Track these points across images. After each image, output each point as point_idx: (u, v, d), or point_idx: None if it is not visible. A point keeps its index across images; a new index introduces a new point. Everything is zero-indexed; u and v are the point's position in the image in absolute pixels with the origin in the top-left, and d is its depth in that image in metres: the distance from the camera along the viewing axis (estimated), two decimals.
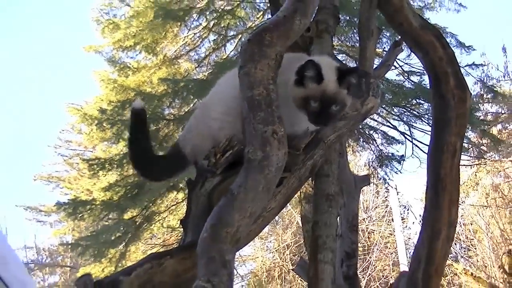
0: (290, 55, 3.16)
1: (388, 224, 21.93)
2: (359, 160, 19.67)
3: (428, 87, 10.17)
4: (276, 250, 22.28)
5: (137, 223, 11.77)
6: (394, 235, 20.73)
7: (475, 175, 18.33)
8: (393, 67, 11.95)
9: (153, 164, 3.64)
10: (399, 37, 4.04)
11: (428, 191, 3.56)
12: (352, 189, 3.97)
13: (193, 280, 2.43)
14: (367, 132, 12.28)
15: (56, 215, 18.49)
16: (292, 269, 14.38)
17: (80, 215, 11.52)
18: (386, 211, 22.35)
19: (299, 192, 12.35)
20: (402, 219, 21.22)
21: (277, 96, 2.87)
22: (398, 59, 11.94)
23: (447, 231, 3.43)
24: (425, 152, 11.46)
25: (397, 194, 20.44)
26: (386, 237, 21.98)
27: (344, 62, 10.86)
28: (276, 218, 22.98)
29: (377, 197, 22.69)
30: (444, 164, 3.48)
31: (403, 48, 4.43)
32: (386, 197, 22.28)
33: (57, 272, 27.14)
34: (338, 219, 3.74)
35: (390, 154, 12.04)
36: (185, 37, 12.43)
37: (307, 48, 4.00)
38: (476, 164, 14.57)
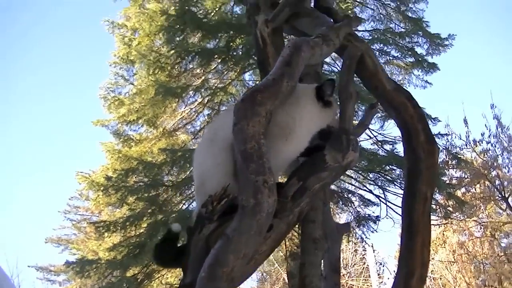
0: None
1: (365, 280, 21.79)
2: (339, 221, 19.69)
3: (400, 155, 10.34)
4: None
5: (139, 280, 11.67)
6: None
7: (443, 234, 18.36)
8: (368, 137, 12.17)
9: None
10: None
11: (402, 235, 3.56)
12: (335, 234, 3.95)
13: None
14: (346, 195, 12.33)
15: (65, 274, 18.38)
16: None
17: (87, 273, 11.47)
18: (363, 267, 22.25)
19: (285, 250, 12.34)
20: (378, 275, 21.12)
21: (267, 149, 2.90)
22: (373, 130, 12.20)
23: (420, 271, 3.41)
24: (398, 214, 11.56)
25: (373, 252, 20.40)
26: None
27: None
28: (264, 275, 22.88)
29: (356, 255, 22.60)
30: (416, 210, 3.48)
31: (378, 110, 4.47)
32: (364, 254, 22.20)
33: None
34: (322, 262, 3.72)
35: (366, 215, 12.09)
36: (182, 111, 12.54)
37: None
38: (444, 224, 14.58)
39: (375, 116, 12.23)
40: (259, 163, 2.82)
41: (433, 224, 13.67)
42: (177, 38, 11.75)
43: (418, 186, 3.51)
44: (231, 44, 11.76)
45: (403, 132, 3.70)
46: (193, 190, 9.71)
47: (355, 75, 3.73)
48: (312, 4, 4.39)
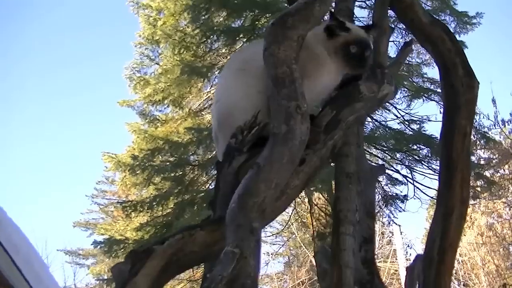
0: None
1: (392, 262, 21.61)
2: None
3: (427, 134, 10.11)
4: None
5: None
6: (399, 273, 20.38)
7: (471, 215, 18.10)
8: (394, 117, 11.96)
9: None
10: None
11: (441, 172, 3.43)
12: (369, 177, 3.78)
13: (221, 251, 2.31)
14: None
15: (93, 258, 18.43)
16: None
17: (114, 253, 11.44)
18: (390, 250, 22.05)
19: (312, 231, 12.19)
20: (405, 258, 20.89)
21: (300, 74, 2.75)
22: (400, 109, 12.01)
23: (460, 208, 3.28)
24: (425, 194, 11.41)
25: (401, 234, 20.19)
26: (391, 274, 21.68)
27: None
28: (291, 259, 22.73)
29: (383, 238, 22.42)
30: (455, 146, 3.33)
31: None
32: (391, 237, 22.02)
33: None
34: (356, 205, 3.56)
35: (394, 194, 11.86)
36: (208, 91, 12.43)
37: None
38: (472, 204, 14.34)
39: (402, 96, 12.11)
40: (291, 88, 2.71)
41: None
42: (202, 17, 11.65)
43: (458, 120, 3.37)
44: (256, 23, 11.63)
45: (440, 67, 3.56)
46: None
47: (389, 8, 3.57)
48: None
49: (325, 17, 3.27)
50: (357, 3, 9.50)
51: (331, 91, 3.15)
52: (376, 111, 12.22)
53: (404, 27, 8.97)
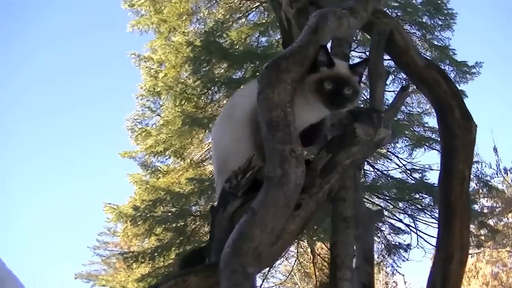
0: None
1: None
2: None
3: (430, 183, 10.09)
4: None
5: None
6: None
7: (475, 265, 17.89)
8: (396, 166, 11.95)
9: None
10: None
11: (440, 217, 3.36)
12: (367, 222, 3.72)
13: None
14: (376, 225, 12.03)
15: None
16: None
17: None
18: None
19: (315, 281, 12.06)
20: None
21: (294, 117, 2.72)
22: (401, 159, 12.04)
23: (460, 254, 3.20)
24: (429, 243, 11.29)
25: (405, 283, 19.92)
26: None
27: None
28: None
29: None
30: (453, 190, 3.28)
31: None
32: (395, 287, 21.74)
33: None
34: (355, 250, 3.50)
35: (397, 244, 11.78)
36: (209, 142, 12.41)
37: None
38: (476, 253, 14.21)
39: (403, 145, 12.11)
40: (286, 131, 2.67)
41: None
42: (203, 69, 11.80)
43: (455, 164, 3.33)
44: (257, 74, 11.64)
45: (436, 110, 3.53)
46: None
47: (385, 53, 3.57)
48: None
49: None
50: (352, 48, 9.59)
51: (307, 124, 3.09)
52: (378, 161, 12.30)
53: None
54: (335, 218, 3.51)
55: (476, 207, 12.92)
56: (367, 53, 10.83)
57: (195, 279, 2.72)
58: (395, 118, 12.05)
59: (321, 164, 2.94)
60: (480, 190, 13.15)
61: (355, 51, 11.53)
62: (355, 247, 3.90)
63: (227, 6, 12.84)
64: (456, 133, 3.35)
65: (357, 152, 3.07)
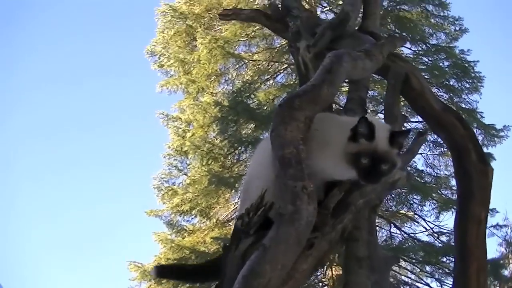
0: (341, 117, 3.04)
1: None
2: None
3: None
4: None
5: None
6: None
7: None
8: (424, 229, 11.83)
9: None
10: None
11: (456, 260, 3.30)
12: (383, 266, 3.68)
13: None
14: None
15: None
16: None
17: None
18: None
19: None
20: None
21: (306, 155, 2.71)
22: (428, 222, 11.93)
23: None
24: None
25: None
26: None
27: None
28: None
29: None
30: (470, 233, 3.24)
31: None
32: None
33: None
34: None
35: None
36: (235, 202, 12.40)
37: None
38: None
39: (430, 209, 12.00)
40: (298, 168, 2.65)
41: None
42: (230, 129, 11.87)
43: (471, 207, 3.28)
44: None
45: (453, 153, 3.50)
46: None
47: (401, 96, 3.57)
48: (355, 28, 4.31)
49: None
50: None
51: (332, 178, 3.02)
52: (405, 224, 12.18)
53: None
54: (347, 258, 3.46)
55: (506, 272, 12.64)
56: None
57: None
58: (422, 181, 12.05)
59: (334, 202, 2.92)
60: (510, 255, 12.89)
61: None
62: None
63: (255, 67, 13.01)
64: (473, 177, 3.31)
65: (370, 192, 3.06)
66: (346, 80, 3.99)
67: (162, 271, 4.08)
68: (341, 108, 4.13)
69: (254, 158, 3.44)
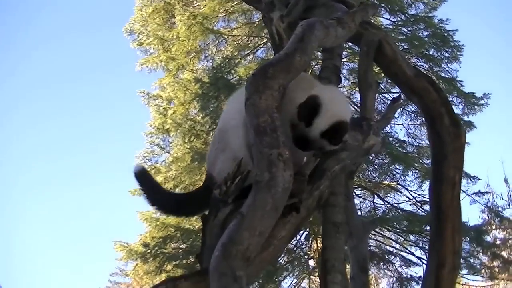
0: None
1: None
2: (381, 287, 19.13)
3: None
4: None
5: None
6: None
7: None
8: (407, 198, 11.93)
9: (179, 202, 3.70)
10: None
11: (431, 223, 3.37)
12: (361, 232, 3.74)
13: None
14: (387, 257, 11.97)
15: None
16: None
17: None
18: None
19: None
20: None
21: (281, 123, 2.76)
22: (411, 191, 12.02)
23: (452, 259, 3.20)
24: None
25: None
26: None
27: None
28: None
29: None
30: (444, 196, 3.30)
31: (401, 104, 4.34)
32: None
33: None
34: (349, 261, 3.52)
35: (409, 276, 11.70)
36: None
37: None
38: (490, 286, 14.01)
39: (413, 178, 12.10)
40: (273, 136, 2.68)
41: (478, 286, 13.39)
42: (212, 105, 11.83)
43: (446, 170, 3.34)
44: None
45: (426, 117, 3.56)
46: None
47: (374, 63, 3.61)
48: None
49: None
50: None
51: None
52: (389, 194, 12.28)
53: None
54: (325, 224, 3.50)
55: (489, 238, 12.78)
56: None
57: (186, 284, 2.74)
58: (404, 151, 12.14)
59: (310, 169, 2.96)
60: (492, 221, 13.05)
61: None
62: (350, 258, 3.92)
63: (235, 43, 13.02)
64: (446, 140, 3.37)
65: (346, 157, 3.11)
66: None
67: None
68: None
69: (231, 106, 3.42)
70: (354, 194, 3.85)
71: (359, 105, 4.39)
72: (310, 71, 9.32)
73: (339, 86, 4.46)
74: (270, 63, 2.95)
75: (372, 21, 3.84)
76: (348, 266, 4.36)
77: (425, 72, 11.87)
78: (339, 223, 3.43)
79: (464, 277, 11.85)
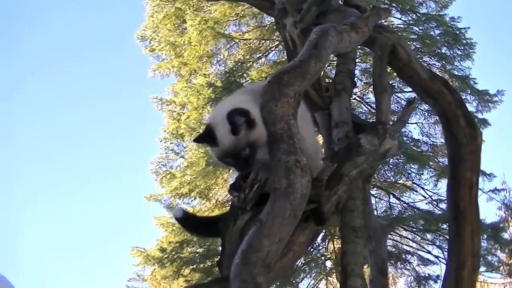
0: None
1: None
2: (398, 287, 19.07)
3: None
4: None
5: None
6: None
7: None
8: (422, 197, 11.89)
9: None
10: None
11: (450, 225, 3.37)
12: (379, 235, 3.76)
13: None
14: (404, 256, 11.94)
15: None
16: None
17: None
18: None
19: None
20: None
21: (298, 129, 2.78)
22: (427, 190, 11.95)
23: (472, 260, 3.22)
24: None
25: None
26: None
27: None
28: None
29: None
30: (462, 198, 3.31)
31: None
32: None
33: None
34: (368, 264, 3.53)
35: (427, 275, 11.66)
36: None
37: (327, 106, 3.96)
38: (509, 282, 13.93)
39: (428, 177, 12.08)
40: (290, 143, 2.69)
41: (497, 283, 13.33)
42: None
43: (463, 172, 3.35)
44: None
45: (442, 120, 3.56)
46: None
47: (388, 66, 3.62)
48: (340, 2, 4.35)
49: None
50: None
51: None
52: (404, 193, 12.25)
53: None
54: (344, 229, 3.51)
55: (506, 235, 12.69)
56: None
57: None
58: (418, 150, 12.11)
59: (327, 174, 2.98)
60: (509, 218, 12.97)
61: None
62: (369, 261, 3.93)
63: (246, 47, 13.00)
64: (462, 142, 3.38)
65: (363, 162, 3.12)
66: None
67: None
68: (331, 81, 4.13)
69: None
70: (369, 194, 3.87)
71: (372, 105, 4.38)
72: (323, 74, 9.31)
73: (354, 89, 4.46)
74: (285, 70, 2.96)
75: (384, 23, 3.82)
76: (366, 266, 4.38)
77: (437, 71, 12.06)
78: (358, 228, 3.45)
79: (483, 275, 11.81)
